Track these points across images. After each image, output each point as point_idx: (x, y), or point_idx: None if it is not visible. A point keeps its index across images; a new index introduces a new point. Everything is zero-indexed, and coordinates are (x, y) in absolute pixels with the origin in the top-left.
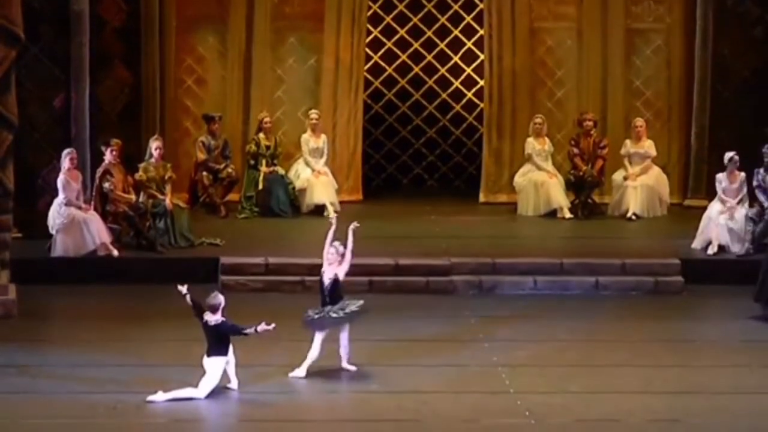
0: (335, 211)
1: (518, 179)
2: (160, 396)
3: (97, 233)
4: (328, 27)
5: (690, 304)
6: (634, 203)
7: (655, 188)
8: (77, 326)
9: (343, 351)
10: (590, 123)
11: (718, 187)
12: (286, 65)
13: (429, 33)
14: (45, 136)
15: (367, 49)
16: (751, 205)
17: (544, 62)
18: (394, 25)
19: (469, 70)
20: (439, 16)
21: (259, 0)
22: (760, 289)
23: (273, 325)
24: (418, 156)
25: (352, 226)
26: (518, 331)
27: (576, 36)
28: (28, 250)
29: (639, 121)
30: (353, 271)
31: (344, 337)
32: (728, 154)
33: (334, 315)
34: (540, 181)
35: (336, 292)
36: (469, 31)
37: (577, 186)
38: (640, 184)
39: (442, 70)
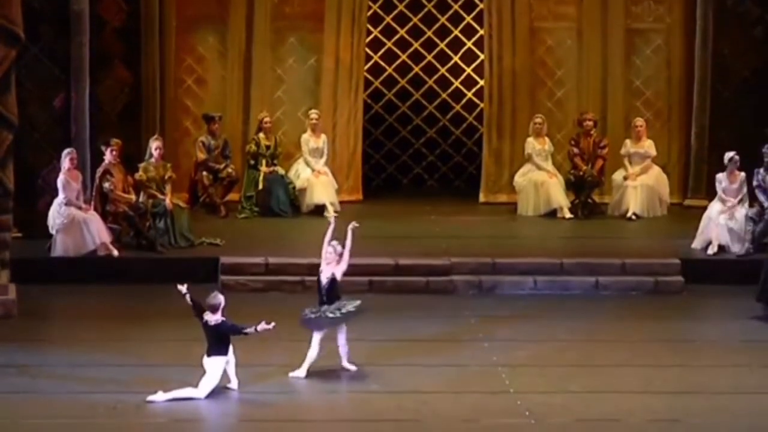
0: (335, 211)
1: (518, 179)
2: (160, 396)
3: (97, 233)
4: (328, 27)
5: (690, 304)
6: (634, 203)
7: (655, 188)
8: (77, 326)
9: (342, 350)
10: (590, 123)
11: (718, 187)
12: (286, 65)
13: (429, 33)
14: (45, 136)
15: (367, 49)
16: (751, 205)
17: (544, 62)
18: (394, 25)
19: (469, 70)
20: (439, 16)
21: (259, 0)
22: (762, 288)
23: (273, 324)
24: (418, 156)
25: (351, 226)
26: (518, 331)
27: (576, 36)
28: (28, 250)
29: (639, 121)
30: (353, 271)
31: (342, 336)
32: (728, 154)
33: (331, 315)
34: (540, 181)
35: (333, 291)
36: (469, 31)
37: (577, 186)
38: (640, 184)
39: (442, 70)
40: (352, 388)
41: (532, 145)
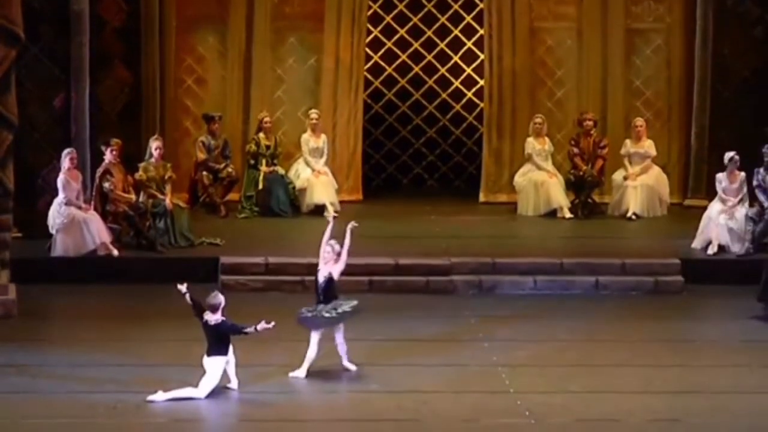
0: (335, 211)
1: (518, 179)
2: (160, 396)
3: (97, 233)
4: (328, 27)
5: (690, 304)
6: (634, 203)
7: (655, 188)
8: (77, 326)
9: (341, 350)
10: (590, 123)
11: (718, 187)
12: (286, 65)
13: (429, 33)
14: (45, 136)
15: (367, 49)
16: (751, 205)
17: (544, 62)
18: (394, 25)
19: (469, 70)
20: (439, 16)
21: (259, 0)
22: (763, 288)
23: (273, 323)
24: (418, 156)
25: (350, 226)
26: (518, 331)
27: (576, 36)
28: (28, 249)
29: (639, 121)
30: (353, 270)
31: (339, 336)
32: (728, 154)
33: (327, 315)
34: (540, 181)
35: (330, 290)
36: (469, 31)
37: (577, 186)
38: (640, 184)
39: (442, 70)
40: (352, 388)
41: (532, 145)
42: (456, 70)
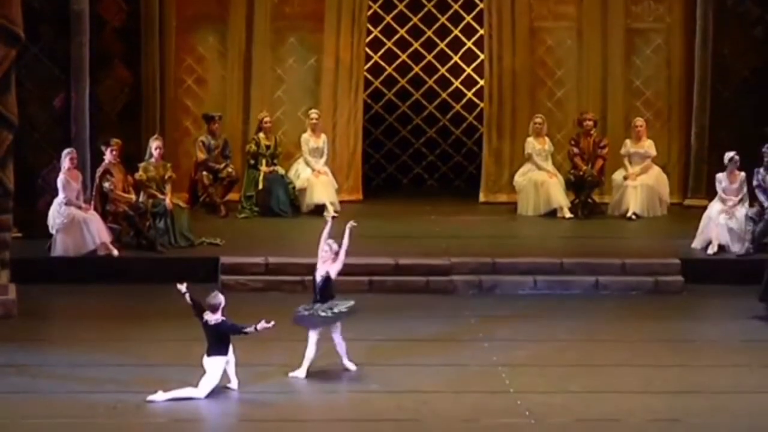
0: (335, 211)
1: (518, 179)
2: (160, 396)
3: (97, 233)
4: (328, 27)
5: (690, 304)
6: (634, 203)
7: (655, 188)
8: (77, 326)
9: (340, 349)
10: (590, 123)
11: (718, 187)
12: (286, 65)
13: (429, 33)
14: (45, 136)
15: (367, 49)
16: (751, 205)
17: (544, 62)
18: (394, 24)
19: (469, 70)
20: (439, 15)
21: (259, 0)
22: (765, 288)
23: (272, 322)
24: (418, 156)
25: (349, 225)
26: (518, 331)
27: (576, 36)
28: (28, 249)
29: (639, 121)
30: (353, 270)
31: (337, 335)
32: (728, 154)
33: (323, 314)
34: (540, 181)
35: (327, 290)
36: (469, 31)
37: (577, 186)
38: (640, 184)
39: (442, 70)
40: (352, 388)
41: (532, 144)
42: (456, 70)
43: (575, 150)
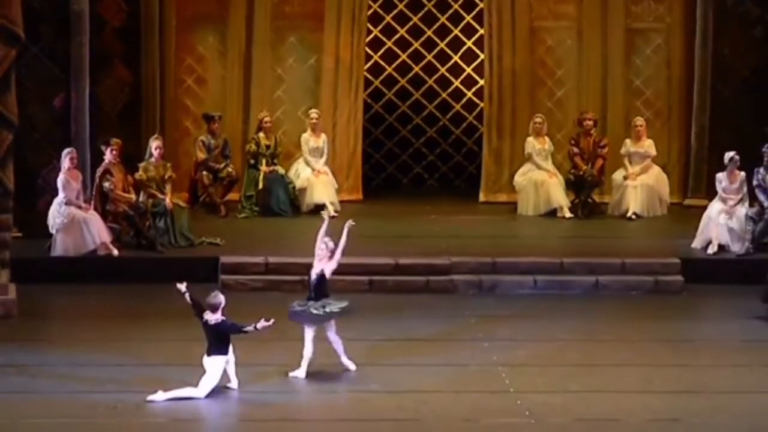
0: (335, 211)
1: (518, 179)
2: (160, 395)
3: (97, 233)
4: (328, 26)
5: (690, 304)
6: (634, 203)
7: (655, 188)
8: (77, 326)
9: (337, 348)
10: (590, 122)
11: (718, 187)
12: (286, 65)
13: (429, 32)
14: (45, 136)
15: (367, 49)
16: (751, 205)
17: (544, 62)
18: (394, 24)
19: (469, 70)
20: (439, 15)
21: (259, 0)
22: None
23: (272, 320)
24: (418, 155)
25: (348, 224)
26: (518, 330)
27: (576, 35)
28: (28, 249)
29: (639, 121)
30: (353, 270)
31: (332, 334)
32: (728, 154)
33: (315, 311)
34: (540, 181)
35: (321, 288)
36: (469, 31)
37: (577, 185)
38: (640, 184)
39: (442, 70)
40: (351, 388)
41: (532, 144)
42: (456, 70)
43: (575, 150)
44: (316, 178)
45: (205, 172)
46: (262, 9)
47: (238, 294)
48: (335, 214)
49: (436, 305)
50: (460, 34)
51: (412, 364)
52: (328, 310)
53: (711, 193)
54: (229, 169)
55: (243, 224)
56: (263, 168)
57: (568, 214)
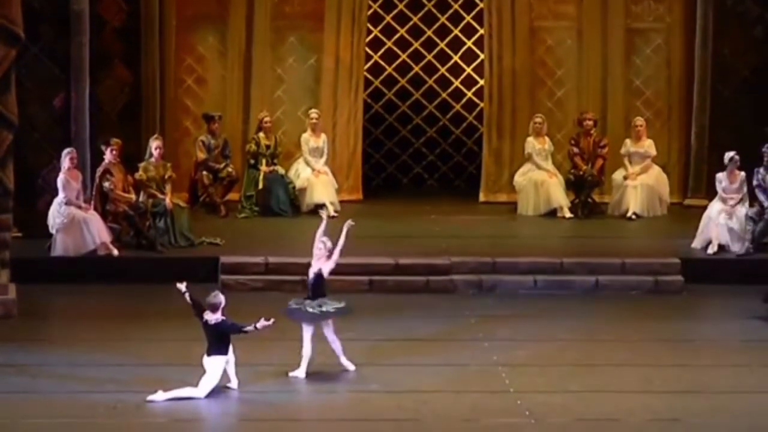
0: (335, 211)
1: (518, 179)
2: (160, 395)
3: (97, 233)
4: (328, 26)
5: (690, 304)
6: (634, 203)
7: (655, 188)
8: (77, 326)
9: (335, 347)
10: (590, 122)
11: (718, 187)
12: (286, 65)
13: (429, 32)
14: (45, 136)
15: (367, 49)
16: (751, 205)
17: (544, 62)
18: (394, 24)
19: (469, 70)
20: (439, 15)
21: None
22: None
23: (272, 320)
24: (418, 155)
25: (347, 224)
26: (518, 330)
27: (576, 35)
28: (28, 249)
29: (639, 121)
30: (353, 270)
31: (330, 333)
32: (728, 154)
33: (311, 310)
34: (540, 181)
35: (319, 287)
36: (469, 31)
37: (577, 185)
38: (640, 184)
39: (442, 70)
40: (351, 388)
41: (532, 144)
42: (456, 70)
43: (575, 150)
44: (316, 178)
45: (205, 172)
46: (262, 9)
47: (238, 294)
48: (335, 214)
49: (436, 305)
50: (460, 34)
51: (412, 364)
52: (324, 309)
53: (711, 193)
54: (229, 169)
55: (243, 224)
56: (263, 168)
57: (568, 214)
